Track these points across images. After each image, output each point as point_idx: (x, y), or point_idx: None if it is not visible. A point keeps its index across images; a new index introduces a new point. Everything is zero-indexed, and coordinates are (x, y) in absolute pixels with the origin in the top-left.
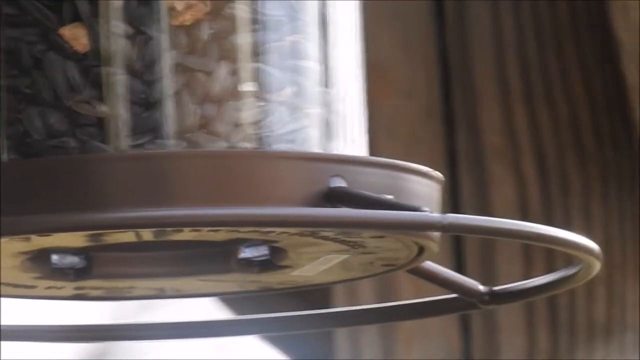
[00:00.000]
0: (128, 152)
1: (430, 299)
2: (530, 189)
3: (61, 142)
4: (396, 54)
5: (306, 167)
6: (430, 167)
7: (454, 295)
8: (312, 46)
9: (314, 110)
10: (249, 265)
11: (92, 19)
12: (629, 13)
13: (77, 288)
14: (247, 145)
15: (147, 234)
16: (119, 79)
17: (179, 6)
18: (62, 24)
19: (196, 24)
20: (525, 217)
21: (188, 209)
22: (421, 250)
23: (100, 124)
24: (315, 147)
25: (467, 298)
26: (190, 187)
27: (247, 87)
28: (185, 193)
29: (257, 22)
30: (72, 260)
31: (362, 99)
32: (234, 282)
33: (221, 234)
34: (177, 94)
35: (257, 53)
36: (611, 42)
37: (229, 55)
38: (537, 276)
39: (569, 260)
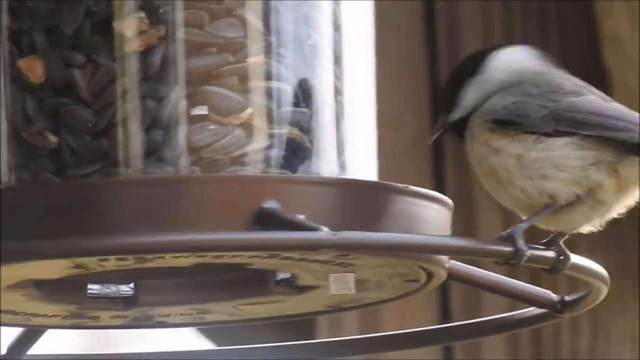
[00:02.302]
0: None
1: (514, 314)
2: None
3: (17, 175)
4: (385, 84)
5: (236, 190)
6: None
7: (530, 308)
8: (281, 67)
9: (280, 131)
10: (288, 286)
11: (46, 50)
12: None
13: (136, 317)
14: (197, 169)
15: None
16: (68, 109)
17: (129, 33)
18: (22, 55)
19: (149, 49)
20: None
21: (107, 237)
22: (430, 275)
23: (53, 155)
24: (275, 168)
25: (542, 309)
26: (115, 214)
27: (198, 111)
28: (112, 221)
29: (212, 46)
30: (119, 289)
31: (343, 120)
32: (279, 305)
33: (183, 260)
34: (124, 121)
35: (212, 76)
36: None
37: (182, 80)
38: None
39: (572, 283)
